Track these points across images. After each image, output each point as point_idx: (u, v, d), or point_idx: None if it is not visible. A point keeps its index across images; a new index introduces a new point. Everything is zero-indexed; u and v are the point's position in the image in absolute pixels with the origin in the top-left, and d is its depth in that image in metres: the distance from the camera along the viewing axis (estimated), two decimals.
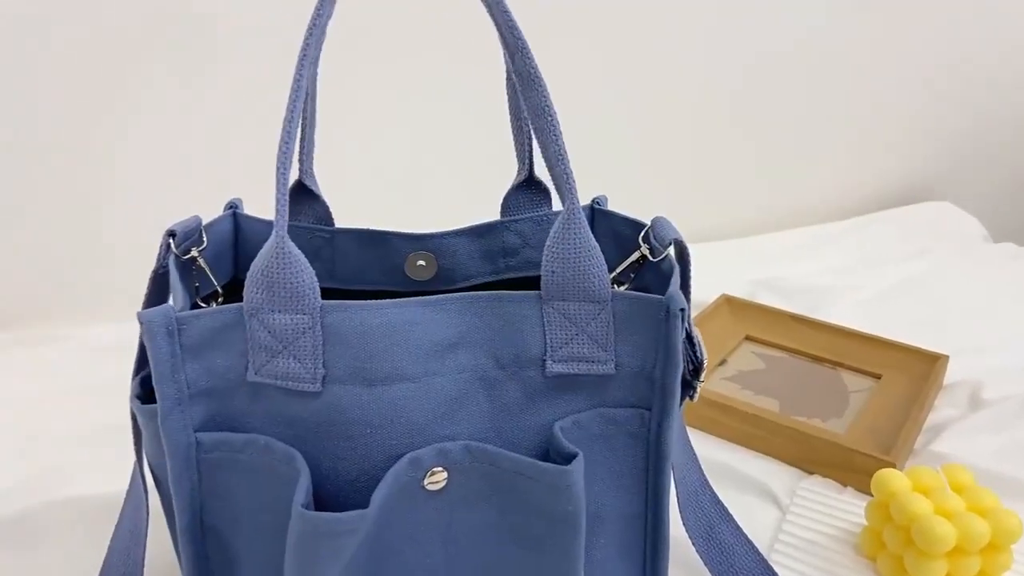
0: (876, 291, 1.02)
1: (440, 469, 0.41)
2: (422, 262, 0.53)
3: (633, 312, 0.42)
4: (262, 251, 0.39)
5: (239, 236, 0.53)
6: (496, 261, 0.54)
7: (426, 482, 0.41)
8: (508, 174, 0.56)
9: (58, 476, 0.65)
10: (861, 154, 1.28)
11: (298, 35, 0.78)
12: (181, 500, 0.41)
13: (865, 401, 0.78)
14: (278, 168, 0.39)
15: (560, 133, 0.40)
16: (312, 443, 0.41)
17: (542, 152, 0.41)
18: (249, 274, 0.39)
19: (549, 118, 0.40)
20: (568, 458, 0.40)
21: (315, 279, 0.40)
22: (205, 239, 0.48)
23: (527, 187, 0.54)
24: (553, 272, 0.41)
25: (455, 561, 0.43)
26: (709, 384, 0.80)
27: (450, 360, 0.42)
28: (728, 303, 0.93)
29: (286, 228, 0.39)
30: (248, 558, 0.43)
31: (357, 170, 0.77)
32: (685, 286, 0.46)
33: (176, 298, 0.43)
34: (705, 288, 0.98)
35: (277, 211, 0.39)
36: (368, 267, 0.53)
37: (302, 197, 0.53)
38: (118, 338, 0.84)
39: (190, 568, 0.43)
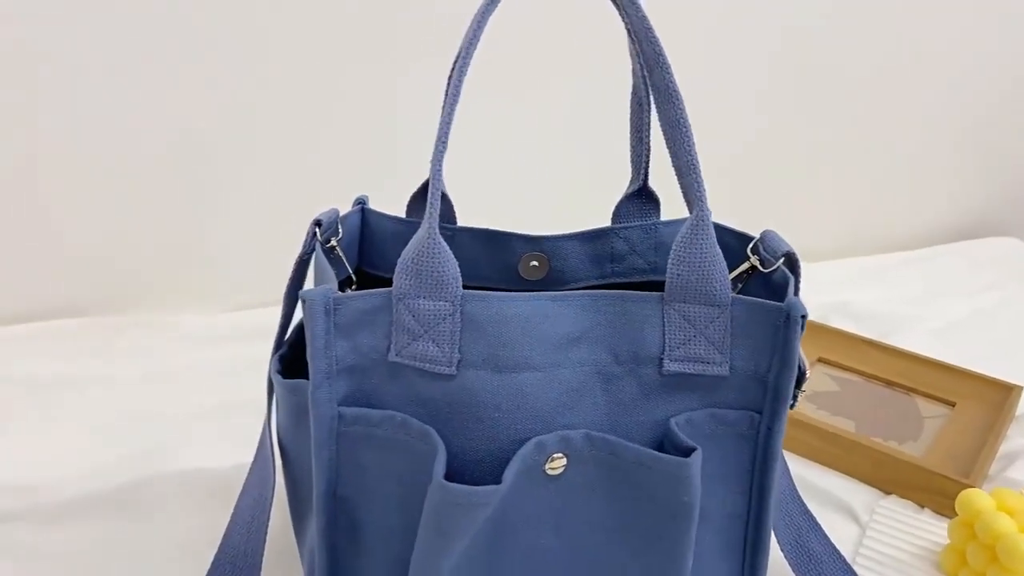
0: (945, 321, 1.02)
1: (560, 455, 0.43)
2: (535, 262, 0.56)
3: (751, 317, 0.44)
4: (412, 242, 0.43)
5: (365, 230, 0.56)
6: (603, 266, 0.57)
7: (547, 467, 0.43)
8: (614, 184, 0.59)
9: (163, 452, 0.69)
10: (929, 186, 1.29)
11: (421, 37, 0.81)
12: (319, 469, 0.44)
13: (940, 427, 0.79)
14: (433, 170, 0.42)
15: (693, 144, 0.43)
16: (443, 423, 0.43)
17: (674, 162, 0.44)
18: (400, 262, 0.42)
19: (684, 130, 0.43)
20: (686, 452, 0.43)
21: (458, 270, 0.43)
22: (340, 230, 0.51)
23: (638, 197, 0.56)
24: (678, 275, 0.43)
25: (566, 547, 0.45)
26: None
27: (573, 353, 0.44)
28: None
29: (437, 224, 0.42)
30: (373, 529, 0.46)
31: (478, 173, 0.80)
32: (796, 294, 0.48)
33: (325, 282, 0.46)
34: None
35: (429, 209, 0.42)
36: (484, 264, 0.56)
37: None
38: (214, 328, 0.88)
39: (320, 536, 0.45)
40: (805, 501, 0.68)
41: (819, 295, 1.07)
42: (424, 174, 0.57)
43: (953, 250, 1.26)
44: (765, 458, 0.46)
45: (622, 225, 0.56)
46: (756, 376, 0.45)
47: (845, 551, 0.63)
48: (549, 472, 0.43)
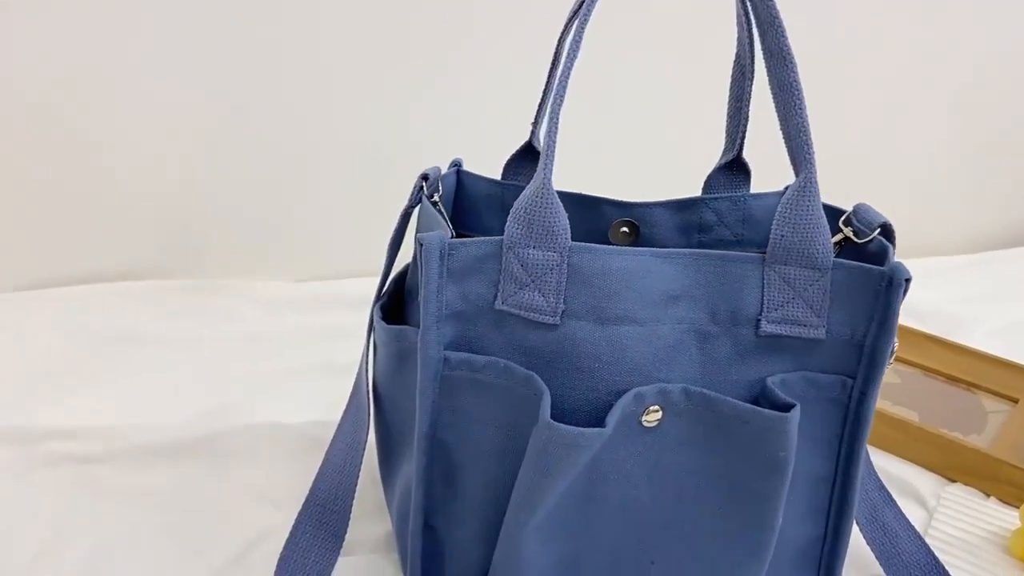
0: (1007, 322, 1.02)
1: (657, 408, 0.44)
2: (625, 228, 0.57)
3: (852, 282, 0.45)
4: (525, 192, 0.44)
5: (459, 191, 0.57)
6: (691, 235, 0.58)
7: (644, 418, 0.44)
8: (707, 155, 0.60)
9: (240, 408, 0.71)
10: (991, 190, 1.28)
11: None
12: (423, 411, 0.46)
13: (1004, 420, 0.79)
14: (550, 123, 0.43)
15: (804, 107, 0.44)
16: (544, 372, 0.45)
17: (782, 125, 0.45)
18: (512, 211, 0.44)
19: (796, 92, 0.43)
20: (784, 409, 0.44)
21: (567, 223, 0.44)
22: (441, 188, 0.53)
23: (730, 168, 0.57)
24: (783, 236, 0.44)
25: (658, 500, 0.46)
26: None
27: (672, 310, 0.45)
28: None
29: (552, 174, 0.43)
30: (470, 473, 0.47)
31: (575, 139, 0.81)
32: None
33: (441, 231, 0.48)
34: None
35: (544, 160, 0.43)
36: (575, 228, 0.57)
37: (528, 158, 0.58)
38: (291, 295, 0.90)
39: (419, 477, 0.47)
40: None
41: None
42: (511, 138, 0.59)
43: (1012, 255, 1.26)
44: (856, 423, 0.47)
45: (712, 196, 0.57)
46: (852, 341, 0.46)
47: None
48: (645, 424, 0.45)
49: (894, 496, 0.68)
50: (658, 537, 0.46)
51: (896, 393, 0.83)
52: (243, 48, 0.86)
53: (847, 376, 0.46)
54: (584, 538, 0.46)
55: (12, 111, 0.82)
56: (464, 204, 0.58)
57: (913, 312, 1.02)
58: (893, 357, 0.50)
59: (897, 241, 1.30)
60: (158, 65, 0.85)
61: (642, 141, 1.00)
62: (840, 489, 0.48)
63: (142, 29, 0.83)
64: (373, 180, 0.93)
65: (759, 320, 0.45)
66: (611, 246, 0.44)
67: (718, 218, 0.57)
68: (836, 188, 1.19)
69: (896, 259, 0.45)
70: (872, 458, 0.72)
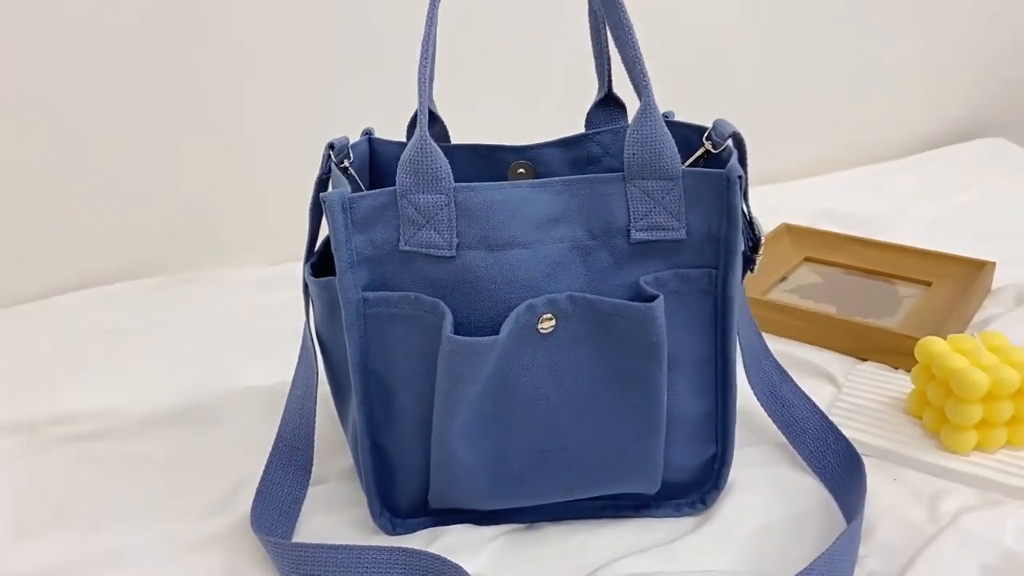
0: (931, 216, 1.09)
1: (549, 316, 0.52)
2: (522, 170, 0.64)
3: (700, 185, 0.52)
4: (408, 146, 0.51)
5: (373, 157, 0.65)
6: (583, 168, 0.65)
7: (540, 326, 0.52)
8: (588, 94, 0.67)
9: (220, 377, 0.79)
10: (922, 94, 1.34)
11: None
12: (352, 346, 0.53)
13: (915, 303, 0.86)
14: (420, 85, 0.50)
15: (636, 41, 0.51)
16: (449, 298, 0.52)
17: (622, 59, 0.52)
18: (400, 163, 0.51)
19: (627, 29, 0.51)
20: (651, 299, 0.51)
21: (449, 167, 0.51)
22: (351, 155, 0.60)
23: (606, 104, 0.64)
24: (634, 154, 0.52)
25: (563, 394, 0.54)
26: (772, 296, 0.89)
27: (554, 231, 0.53)
28: (788, 230, 1.01)
29: (427, 127, 0.50)
30: (402, 394, 0.55)
31: (466, 95, 0.89)
32: (744, 168, 0.56)
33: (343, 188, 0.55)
34: (769, 224, 1.06)
35: (419, 117, 0.50)
36: (478, 175, 0.64)
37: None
38: (259, 278, 0.98)
39: (358, 403, 0.55)
40: (790, 373, 0.76)
41: (810, 204, 1.14)
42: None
43: (943, 154, 1.32)
44: (724, 306, 0.54)
45: (595, 131, 0.64)
46: (710, 236, 0.53)
47: (822, 407, 0.70)
48: (542, 330, 0.52)
49: (811, 379, 0.76)
50: (567, 426, 0.54)
51: (818, 292, 0.90)
52: (206, 47, 0.94)
53: (711, 267, 0.54)
54: (506, 435, 0.54)
55: None
56: (380, 167, 0.65)
57: (840, 218, 1.09)
58: (761, 251, 0.58)
59: (829, 152, 1.39)
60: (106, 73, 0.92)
61: (528, 89, 1.09)
62: (721, 366, 0.56)
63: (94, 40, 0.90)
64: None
65: (629, 230, 0.53)
66: (491, 183, 0.52)
67: (603, 150, 0.64)
68: (770, 100, 1.25)
69: (733, 163, 0.52)
70: (790, 349, 0.80)
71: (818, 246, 0.99)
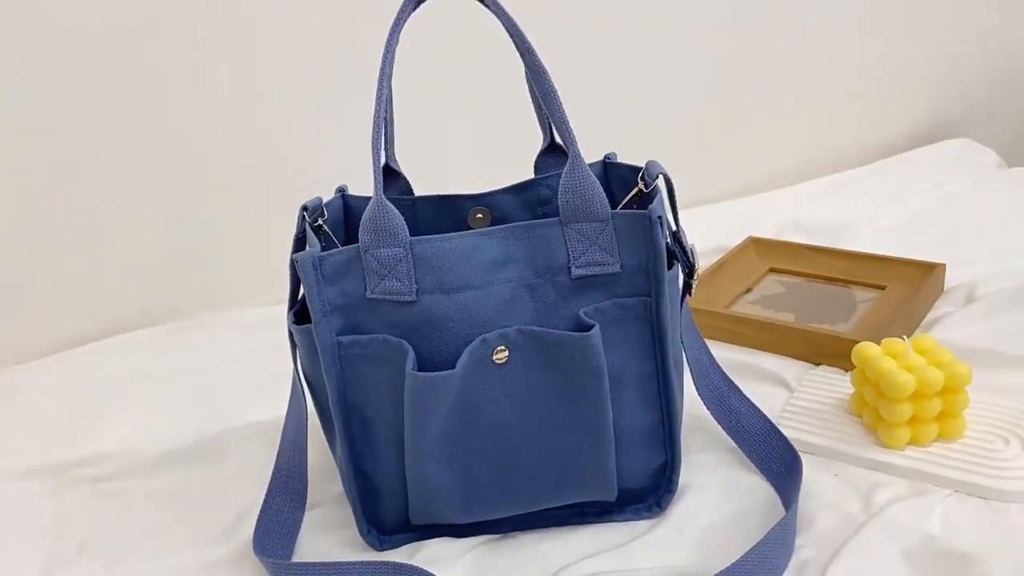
0: (893, 222, 1.15)
1: (503, 348, 0.59)
2: (480, 215, 0.71)
3: (628, 225, 0.59)
4: (368, 207, 0.58)
5: (347, 212, 0.72)
6: (535, 210, 0.72)
7: (494, 357, 0.59)
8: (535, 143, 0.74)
9: (227, 415, 0.86)
10: (887, 99, 1.40)
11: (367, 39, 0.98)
12: (331, 385, 0.60)
13: (869, 307, 0.92)
14: (373, 150, 0.58)
15: (562, 105, 0.58)
16: (414, 338, 0.59)
17: (551, 120, 0.59)
18: (361, 223, 0.58)
19: (553, 96, 0.58)
20: (588, 328, 0.58)
21: (404, 223, 0.58)
22: (326, 213, 0.67)
23: (551, 151, 0.72)
24: (567, 202, 0.58)
25: (522, 416, 0.60)
26: (736, 307, 0.95)
27: (503, 272, 0.59)
28: (754, 243, 1.08)
29: (382, 189, 0.58)
30: (378, 424, 0.61)
31: (425, 151, 0.96)
32: (673, 205, 0.63)
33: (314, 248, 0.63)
34: (738, 237, 1.12)
35: (375, 181, 0.57)
36: (441, 222, 0.71)
37: (389, 177, 0.72)
38: (262, 317, 1.06)
39: (340, 434, 0.62)
40: (746, 379, 0.83)
41: (778, 216, 1.20)
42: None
43: (909, 158, 1.38)
44: (660, 329, 0.61)
45: (543, 175, 0.71)
46: (641, 269, 0.60)
47: (774, 412, 0.76)
48: (496, 361, 0.59)
49: (765, 385, 0.82)
50: (526, 444, 0.61)
51: (779, 302, 0.96)
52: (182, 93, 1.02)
53: (645, 296, 0.60)
54: (472, 456, 0.61)
55: None
56: (354, 221, 0.72)
57: (805, 229, 1.15)
58: (697, 277, 0.64)
59: (798, 162, 1.46)
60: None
61: (486, 140, 1.16)
62: (663, 381, 0.62)
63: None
64: None
65: (570, 267, 0.60)
66: (443, 234, 0.59)
67: (552, 192, 0.71)
68: (730, 114, 1.31)
69: (655, 204, 0.58)
70: (749, 358, 0.86)
71: (782, 257, 1.05)
